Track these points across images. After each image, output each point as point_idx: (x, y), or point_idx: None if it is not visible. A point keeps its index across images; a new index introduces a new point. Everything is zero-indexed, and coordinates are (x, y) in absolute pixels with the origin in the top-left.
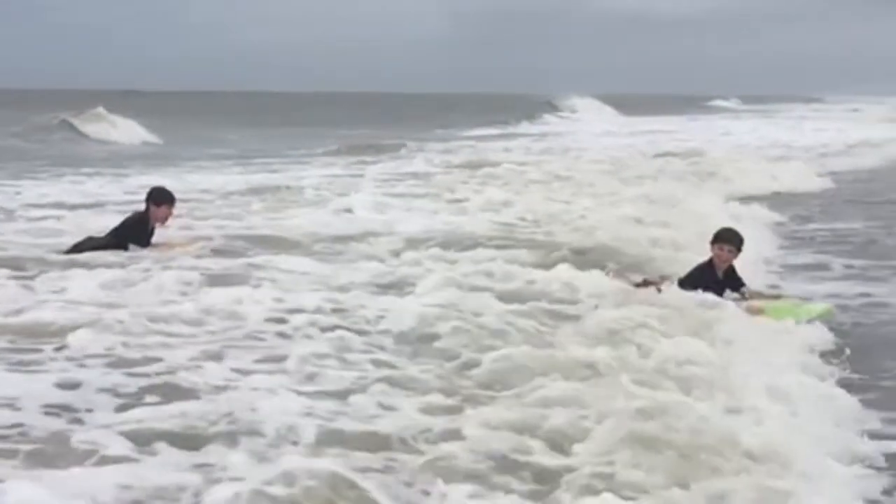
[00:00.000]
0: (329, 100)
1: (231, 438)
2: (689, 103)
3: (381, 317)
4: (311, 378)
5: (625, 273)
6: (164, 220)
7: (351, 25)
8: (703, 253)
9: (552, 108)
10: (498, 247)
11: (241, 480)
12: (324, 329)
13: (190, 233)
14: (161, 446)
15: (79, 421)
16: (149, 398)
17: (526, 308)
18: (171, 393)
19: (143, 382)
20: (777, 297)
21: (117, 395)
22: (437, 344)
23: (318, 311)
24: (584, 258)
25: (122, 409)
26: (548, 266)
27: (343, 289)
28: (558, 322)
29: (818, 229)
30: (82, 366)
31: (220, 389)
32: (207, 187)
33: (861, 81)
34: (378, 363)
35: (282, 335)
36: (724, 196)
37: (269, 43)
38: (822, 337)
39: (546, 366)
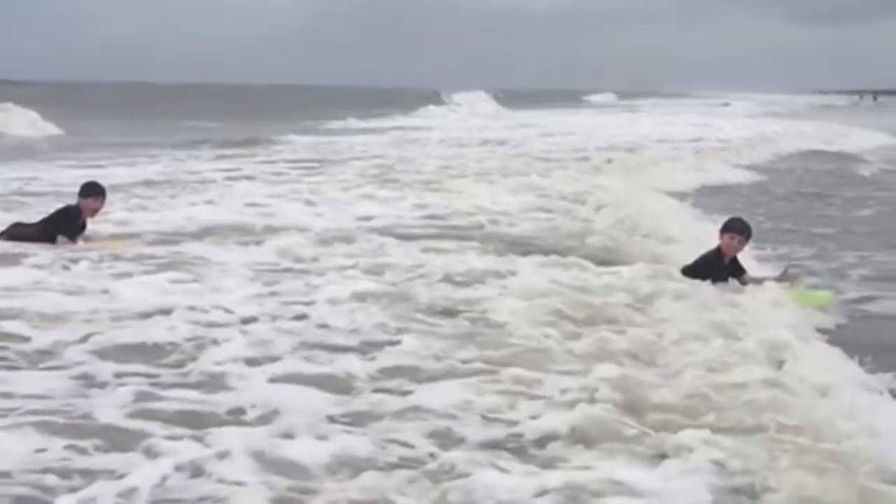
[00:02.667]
0: (202, 92)
1: None
2: (567, 97)
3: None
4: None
5: None
6: (93, 213)
7: (224, 17)
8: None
9: (438, 101)
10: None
11: None
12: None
13: (124, 229)
14: None
15: None
16: None
17: None
18: None
19: None
20: (761, 280)
21: None
22: None
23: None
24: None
25: None
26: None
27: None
28: None
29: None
30: None
31: None
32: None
33: (722, 77)
34: None
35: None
36: (654, 190)
37: (137, 34)
38: None
39: None
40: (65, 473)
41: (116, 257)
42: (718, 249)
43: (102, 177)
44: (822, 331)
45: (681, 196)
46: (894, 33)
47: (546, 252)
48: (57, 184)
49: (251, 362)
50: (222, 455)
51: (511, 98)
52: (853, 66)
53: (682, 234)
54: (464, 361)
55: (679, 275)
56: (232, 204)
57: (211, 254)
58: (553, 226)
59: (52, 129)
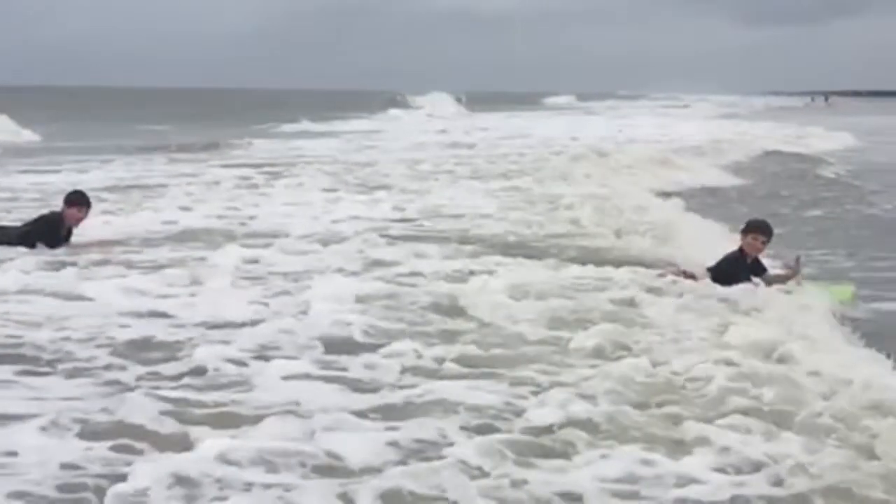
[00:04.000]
0: (156, 96)
1: None
2: (527, 100)
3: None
4: None
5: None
6: (77, 222)
7: (177, 18)
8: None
9: (400, 104)
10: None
11: None
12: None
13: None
14: None
15: None
16: None
17: None
18: None
19: None
20: (789, 276)
21: None
22: None
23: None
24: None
25: None
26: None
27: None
28: None
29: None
30: None
31: None
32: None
33: (677, 79)
34: None
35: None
36: (648, 191)
37: (84, 35)
38: None
39: None
40: (100, 474)
41: (104, 262)
42: (740, 250)
43: (62, 182)
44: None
45: (666, 196)
46: (844, 34)
47: (532, 253)
48: (10, 189)
49: (260, 361)
50: (250, 452)
51: (472, 101)
52: (805, 68)
53: (683, 236)
54: (461, 360)
55: (662, 274)
56: (205, 208)
57: (198, 257)
58: (533, 226)
59: None
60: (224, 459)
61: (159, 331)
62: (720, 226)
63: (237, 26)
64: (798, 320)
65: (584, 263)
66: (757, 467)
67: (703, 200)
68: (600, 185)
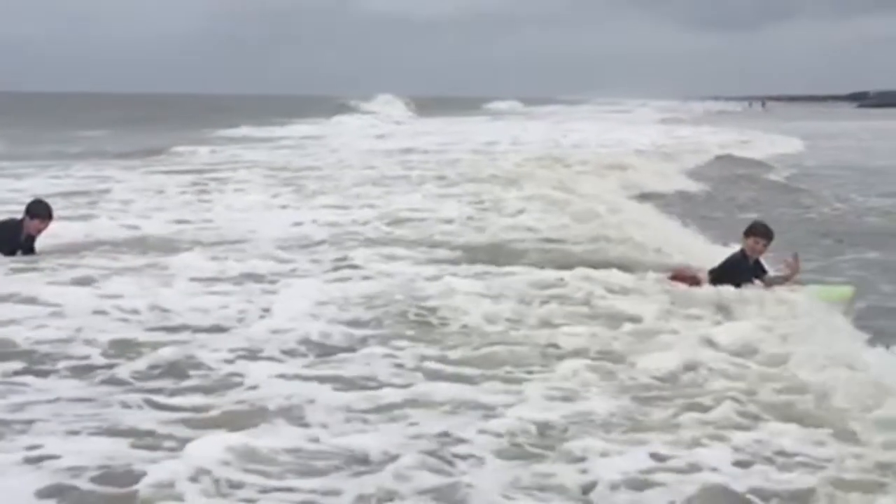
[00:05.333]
0: (93, 101)
1: None
2: (471, 105)
3: None
4: None
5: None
6: (37, 232)
7: (112, 21)
8: None
9: (349, 108)
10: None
11: None
12: None
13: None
14: None
15: None
16: None
17: None
18: None
19: None
20: (789, 278)
21: None
22: None
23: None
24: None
25: None
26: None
27: None
28: None
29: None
30: None
31: None
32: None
33: (618, 84)
34: None
35: None
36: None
37: (20, 39)
38: None
39: None
40: (100, 476)
41: (73, 265)
42: (742, 252)
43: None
44: None
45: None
46: (780, 41)
47: (507, 256)
48: None
49: (245, 361)
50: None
51: (418, 106)
52: (742, 73)
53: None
54: (442, 361)
55: (664, 279)
56: (162, 214)
57: (163, 262)
58: (507, 230)
59: None
60: (218, 459)
61: (138, 334)
62: (691, 229)
63: (176, 29)
64: (790, 321)
65: (562, 267)
66: (744, 464)
67: (670, 204)
68: (561, 188)
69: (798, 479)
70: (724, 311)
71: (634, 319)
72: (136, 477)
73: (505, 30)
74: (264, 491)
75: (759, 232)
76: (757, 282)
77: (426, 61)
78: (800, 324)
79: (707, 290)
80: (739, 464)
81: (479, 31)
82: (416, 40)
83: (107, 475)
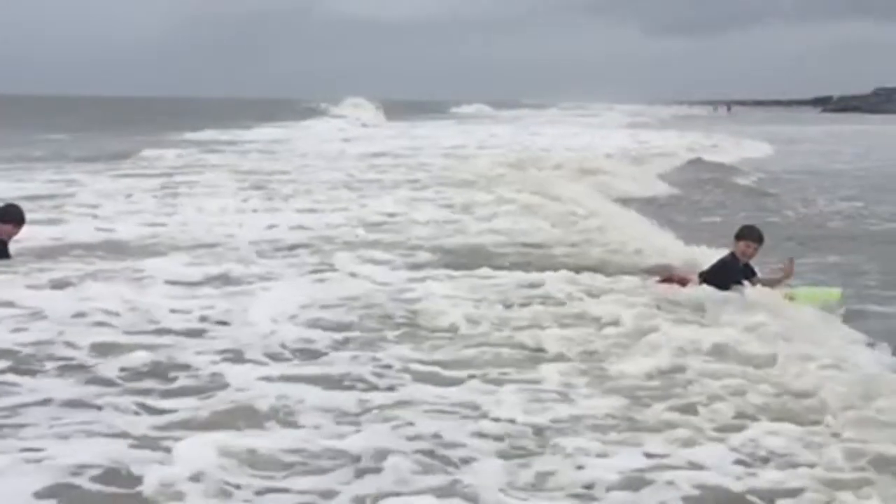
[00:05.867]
0: (57, 105)
1: None
2: (437, 108)
3: None
4: None
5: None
6: (8, 237)
7: (75, 23)
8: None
9: (318, 112)
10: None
11: None
12: None
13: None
14: None
15: None
16: None
17: None
18: None
19: None
20: (779, 281)
21: None
22: None
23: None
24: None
25: None
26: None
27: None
28: None
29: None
30: None
31: None
32: None
33: (584, 88)
34: None
35: None
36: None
37: None
38: None
39: None
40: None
41: (49, 269)
42: (733, 255)
43: None
44: None
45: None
46: (745, 45)
47: (489, 259)
48: None
49: (234, 365)
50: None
51: (387, 109)
52: (707, 78)
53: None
54: (428, 363)
55: (654, 281)
56: (135, 218)
57: (139, 266)
58: (486, 233)
59: None
60: (214, 460)
61: (119, 337)
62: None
63: (141, 33)
64: (781, 322)
65: (542, 269)
66: (736, 464)
67: (644, 207)
68: (536, 192)
69: (789, 479)
70: (712, 312)
71: (618, 322)
72: (131, 479)
73: (472, 34)
74: (260, 492)
75: (751, 236)
76: (747, 284)
77: (394, 65)
78: (788, 325)
79: (695, 290)
80: (732, 463)
81: (446, 35)
82: (385, 43)
83: (101, 476)
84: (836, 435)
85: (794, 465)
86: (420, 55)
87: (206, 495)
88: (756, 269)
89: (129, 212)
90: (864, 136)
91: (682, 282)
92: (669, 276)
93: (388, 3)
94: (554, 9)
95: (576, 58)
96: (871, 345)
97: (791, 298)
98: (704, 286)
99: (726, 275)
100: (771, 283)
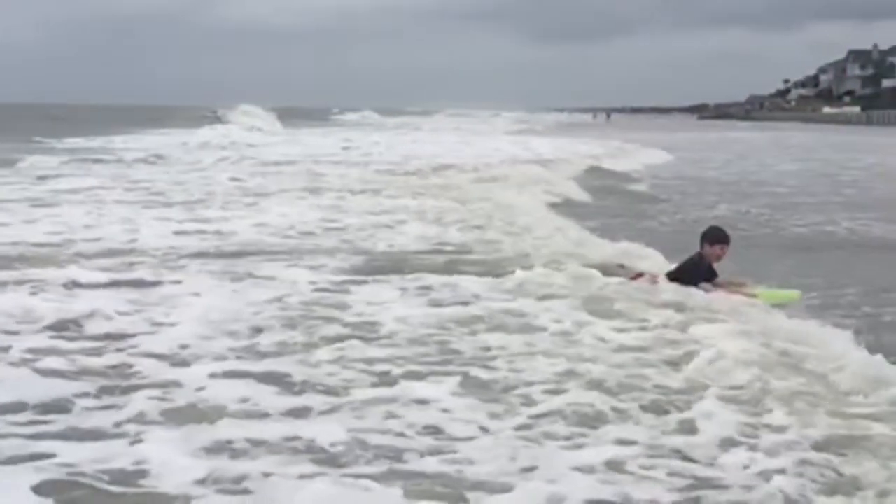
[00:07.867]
0: None
1: None
2: (321, 115)
3: None
4: None
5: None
6: None
7: None
8: None
9: (211, 119)
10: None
11: None
12: None
13: None
14: None
15: None
16: None
17: None
18: None
19: None
20: (743, 283)
21: None
22: None
23: None
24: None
25: None
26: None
27: None
28: None
29: None
30: None
31: None
32: None
33: (465, 96)
34: None
35: None
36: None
37: None
38: None
39: None
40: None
41: None
42: (700, 255)
43: None
44: None
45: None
46: (623, 54)
47: (403, 267)
48: None
49: (181, 368)
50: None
51: (280, 116)
52: (587, 85)
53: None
54: (375, 362)
55: (626, 279)
56: (37, 226)
57: (54, 274)
58: (404, 237)
59: None
60: (190, 457)
61: (57, 343)
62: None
63: (13, 35)
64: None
65: (462, 273)
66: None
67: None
68: (448, 197)
69: (775, 476)
70: (682, 310)
71: (584, 322)
72: (111, 478)
73: (358, 42)
74: (246, 491)
75: (722, 239)
76: (707, 285)
77: (284, 72)
78: (753, 322)
79: (666, 287)
80: (722, 457)
81: (334, 44)
82: (274, 51)
83: (86, 476)
84: (818, 427)
85: (781, 460)
86: (308, 63)
87: (197, 493)
88: (716, 270)
89: (27, 220)
90: (732, 142)
91: (653, 279)
92: (640, 274)
93: (277, 10)
94: (436, 19)
95: (458, 65)
96: None
97: (753, 297)
98: (674, 284)
99: (692, 274)
100: (732, 284)
